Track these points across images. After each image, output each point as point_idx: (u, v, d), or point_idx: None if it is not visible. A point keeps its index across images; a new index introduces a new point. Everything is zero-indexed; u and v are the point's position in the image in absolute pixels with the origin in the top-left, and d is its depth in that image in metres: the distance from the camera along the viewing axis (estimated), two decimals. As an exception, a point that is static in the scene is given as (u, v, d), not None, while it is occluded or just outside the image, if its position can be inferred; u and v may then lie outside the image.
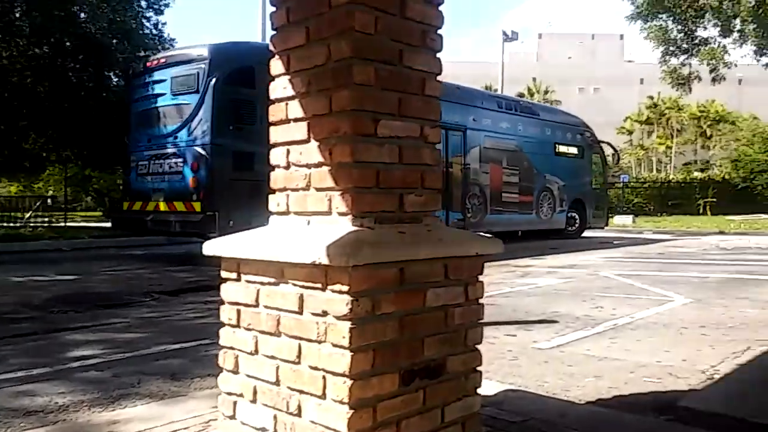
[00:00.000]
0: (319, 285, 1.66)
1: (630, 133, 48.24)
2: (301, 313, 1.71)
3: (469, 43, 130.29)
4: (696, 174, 37.66)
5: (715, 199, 31.98)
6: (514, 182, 14.36)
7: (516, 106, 15.20)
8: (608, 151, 18.47)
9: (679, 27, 11.67)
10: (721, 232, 18.67)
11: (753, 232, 21.73)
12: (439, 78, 2.09)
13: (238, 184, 8.86)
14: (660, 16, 11.50)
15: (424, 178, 1.99)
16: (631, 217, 27.24)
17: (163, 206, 9.45)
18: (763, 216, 30.45)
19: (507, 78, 46.25)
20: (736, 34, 11.92)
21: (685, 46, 12.17)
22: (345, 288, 1.60)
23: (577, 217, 16.28)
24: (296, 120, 1.92)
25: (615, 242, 14.66)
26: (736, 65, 13.07)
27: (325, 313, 1.64)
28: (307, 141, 1.87)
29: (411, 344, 1.75)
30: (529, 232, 15.00)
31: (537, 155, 14.73)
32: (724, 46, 12.30)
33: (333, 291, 1.62)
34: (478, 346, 1.93)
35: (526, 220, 14.85)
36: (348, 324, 1.59)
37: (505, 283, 6.93)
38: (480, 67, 50.86)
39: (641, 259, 10.41)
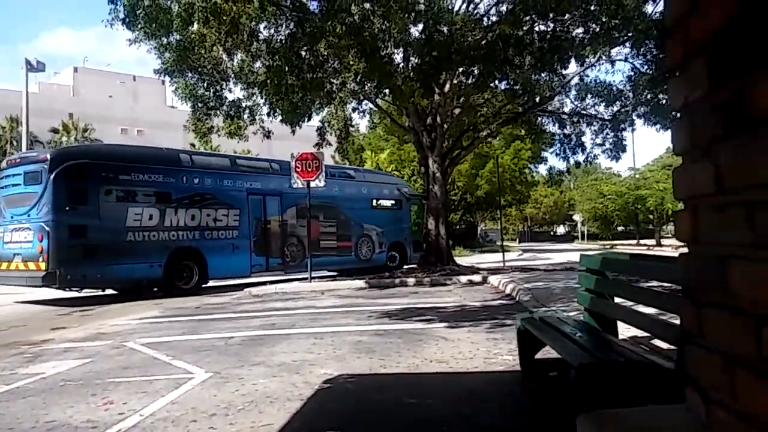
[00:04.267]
0: None
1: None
2: None
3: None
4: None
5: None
6: (331, 232, 18.09)
7: (334, 172, 18.52)
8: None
9: (206, 87, 12.17)
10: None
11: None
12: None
13: (73, 248, 12.45)
14: (187, 74, 11.78)
15: None
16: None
17: (22, 266, 12.73)
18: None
19: (38, 111, 41.19)
20: (258, 98, 13.13)
21: (211, 104, 12.72)
22: None
23: (397, 255, 20.04)
24: None
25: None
26: (266, 129, 14.16)
27: None
28: None
29: None
30: (354, 269, 18.10)
31: (354, 210, 18.49)
32: (252, 114, 13.33)
33: None
34: None
35: (346, 261, 18.48)
36: None
37: (1, 377, 5.59)
38: (4, 96, 44.07)
39: (178, 316, 10.13)
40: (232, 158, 16.65)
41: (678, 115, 1.27)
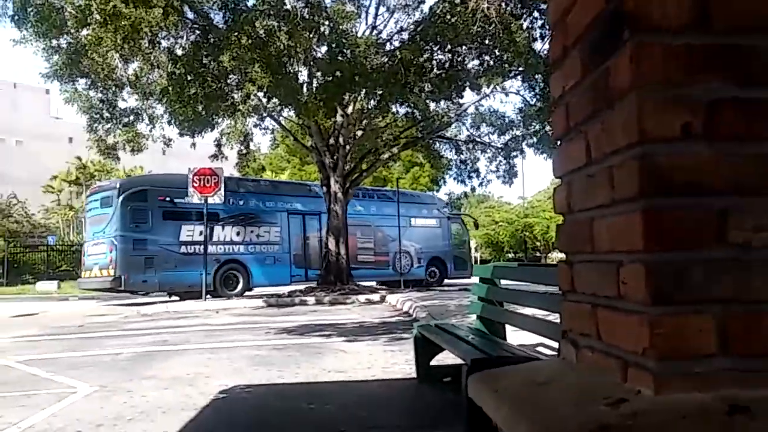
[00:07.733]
0: None
1: (59, 192, 45.95)
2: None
3: None
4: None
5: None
6: (369, 247, 19.69)
7: (372, 194, 20.99)
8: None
9: (100, 96, 11.58)
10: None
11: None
12: None
13: (135, 258, 15.34)
14: (78, 80, 11.16)
15: None
16: (56, 282, 25.56)
17: (100, 273, 15.67)
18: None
19: None
20: (159, 109, 12.68)
21: (107, 115, 12.13)
22: None
23: (436, 270, 21.00)
24: None
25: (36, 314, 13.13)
26: (166, 138, 13.75)
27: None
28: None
29: None
30: (393, 281, 19.05)
31: (392, 227, 19.14)
32: (152, 121, 12.86)
33: None
34: None
35: (383, 274, 19.89)
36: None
37: None
38: None
39: (58, 334, 9.49)
40: (275, 182, 19.22)
41: (556, 106, 1.45)
